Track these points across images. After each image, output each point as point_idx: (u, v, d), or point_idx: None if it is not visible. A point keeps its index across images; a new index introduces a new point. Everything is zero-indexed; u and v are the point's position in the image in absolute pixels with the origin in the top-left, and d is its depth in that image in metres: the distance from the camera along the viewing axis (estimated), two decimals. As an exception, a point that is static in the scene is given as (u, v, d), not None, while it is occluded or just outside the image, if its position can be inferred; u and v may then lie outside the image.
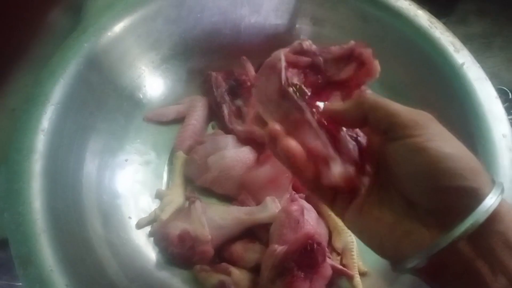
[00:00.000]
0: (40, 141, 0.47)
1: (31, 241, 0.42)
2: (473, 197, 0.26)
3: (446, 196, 0.27)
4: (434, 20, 0.54)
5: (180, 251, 0.48)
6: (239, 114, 0.60)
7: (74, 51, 0.52)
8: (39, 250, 0.42)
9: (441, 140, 0.28)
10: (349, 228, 0.34)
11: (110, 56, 0.55)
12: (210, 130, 0.62)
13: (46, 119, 0.48)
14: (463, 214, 0.26)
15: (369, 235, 0.31)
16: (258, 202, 0.53)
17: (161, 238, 0.50)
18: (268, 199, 0.49)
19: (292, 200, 0.50)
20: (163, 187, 0.58)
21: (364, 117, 0.31)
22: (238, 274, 0.46)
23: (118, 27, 0.55)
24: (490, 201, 0.26)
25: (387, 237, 0.30)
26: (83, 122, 0.53)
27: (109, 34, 0.55)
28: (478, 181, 0.27)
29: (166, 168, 0.59)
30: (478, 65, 0.51)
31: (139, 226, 0.53)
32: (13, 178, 0.45)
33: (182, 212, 0.51)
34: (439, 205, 0.28)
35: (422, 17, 0.54)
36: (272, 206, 0.48)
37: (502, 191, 0.27)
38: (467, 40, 0.55)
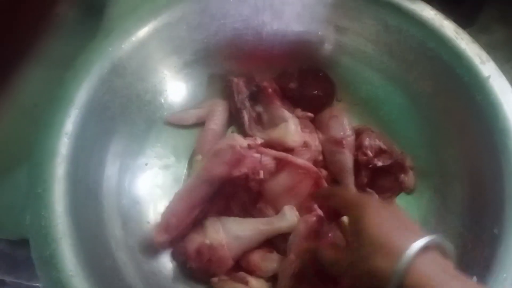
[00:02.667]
0: (64, 145, 0.48)
1: (52, 244, 0.43)
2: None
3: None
4: (460, 31, 0.53)
5: (198, 265, 0.48)
6: (259, 121, 0.60)
7: (98, 54, 0.53)
8: (60, 254, 0.42)
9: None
10: None
11: (133, 60, 0.55)
12: (229, 134, 0.62)
13: (70, 123, 0.49)
14: None
15: None
16: (276, 210, 0.52)
17: (178, 253, 0.50)
18: (287, 208, 0.49)
19: (311, 210, 0.50)
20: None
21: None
22: (255, 283, 0.46)
23: (142, 32, 0.56)
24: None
25: None
26: (105, 126, 0.53)
27: (133, 38, 0.55)
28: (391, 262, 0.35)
29: (185, 172, 0.59)
30: (504, 78, 0.50)
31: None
32: (36, 181, 0.46)
33: (198, 224, 0.51)
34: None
35: (448, 28, 0.53)
36: (290, 215, 0.48)
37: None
38: (490, 49, 0.54)
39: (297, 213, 0.48)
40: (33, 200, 0.45)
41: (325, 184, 0.54)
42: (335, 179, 0.57)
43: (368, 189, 0.55)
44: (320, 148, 0.57)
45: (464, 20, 0.56)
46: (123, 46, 0.54)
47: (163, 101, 0.60)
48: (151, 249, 0.51)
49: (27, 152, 0.49)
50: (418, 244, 0.34)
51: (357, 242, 0.38)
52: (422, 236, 0.36)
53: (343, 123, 0.57)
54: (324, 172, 0.55)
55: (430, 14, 0.55)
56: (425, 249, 0.35)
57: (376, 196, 0.55)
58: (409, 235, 0.36)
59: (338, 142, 0.56)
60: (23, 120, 0.67)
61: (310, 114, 0.60)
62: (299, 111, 0.60)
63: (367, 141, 0.55)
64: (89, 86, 0.51)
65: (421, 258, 0.34)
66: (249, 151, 0.50)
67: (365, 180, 0.54)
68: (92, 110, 0.51)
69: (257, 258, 0.50)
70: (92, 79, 0.51)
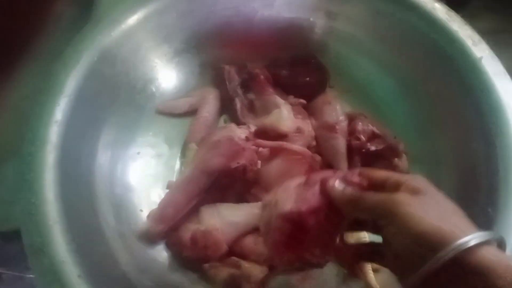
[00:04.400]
0: (54, 132, 0.47)
1: (43, 231, 0.42)
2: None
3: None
4: (452, 13, 0.53)
5: (194, 253, 0.48)
6: (251, 108, 0.60)
7: (87, 43, 0.52)
8: (51, 241, 0.42)
9: (410, 222, 0.31)
10: None
11: (123, 48, 0.55)
12: (222, 123, 0.62)
13: (60, 111, 0.48)
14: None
15: None
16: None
17: (173, 243, 0.49)
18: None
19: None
20: (175, 179, 0.57)
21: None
22: (248, 267, 0.46)
23: (132, 20, 0.55)
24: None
25: None
26: (95, 114, 0.53)
27: (122, 26, 0.54)
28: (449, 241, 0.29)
29: (178, 161, 0.59)
30: (497, 59, 0.50)
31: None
32: (26, 168, 0.45)
33: (193, 214, 0.50)
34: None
35: (440, 10, 0.53)
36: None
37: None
38: (482, 36, 0.53)
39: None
40: (24, 188, 0.44)
41: (318, 168, 0.53)
42: (328, 164, 0.56)
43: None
44: (313, 133, 0.57)
45: (453, 8, 0.56)
46: (112, 34, 0.54)
47: (154, 89, 0.59)
48: (146, 238, 0.51)
49: (15, 146, 0.49)
50: (484, 234, 0.30)
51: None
52: (470, 231, 0.31)
53: (336, 109, 0.57)
54: (318, 157, 0.55)
55: (421, -3, 0.54)
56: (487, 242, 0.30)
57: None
58: (455, 228, 0.31)
59: (331, 127, 0.56)
60: (12, 114, 0.66)
61: (302, 101, 0.60)
62: (291, 98, 0.60)
63: (360, 126, 0.54)
64: (78, 74, 0.50)
65: (484, 247, 0.30)
66: (247, 143, 0.50)
67: (359, 164, 0.54)
68: (81, 99, 0.50)
69: (250, 242, 0.49)
70: (81, 68, 0.51)
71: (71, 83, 0.50)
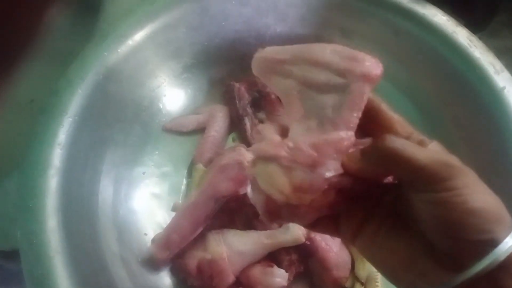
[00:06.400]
0: (57, 156, 0.45)
1: (44, 263, 0.41)
2: (493, 245, 0.25)
3: (467, 245, 0.26)
4: (473, 38, 0.50)
5: (200, 283, 0.46)
6: (261, 128, 0.58)
7: (93, 60, 0.50)
8: (53, 273, 0.40)
9: (468, 194, 0.26)
10: (361, 254, 0.31)
11: (129, 65, 0.53)
12: (230, 142, 0.60)
13: (63, 132, 0.46)
14: (480, 257, 0.25)
15: (383, 265, 0.29)
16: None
17: (179, 270, 0.48)
18: (292, 221, 0.46)
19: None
20: (180, 201, 0.56)
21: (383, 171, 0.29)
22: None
23: (139, 35, 0.53)
24: (507, 245, 0.25)
25: (401, 272, 0.28)
26: (100, 134, 0.51)
27: (129, 42, 0.53)
28: (501, 231, 0.25)
29: (184, 181, 0.57)
30: (520, 89, 0.48)
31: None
32: (28, 194, 0.44)
33: (199, 239, 0.49)
34: (459, 251, 0.26)
35: (461, 34, 0.51)
36: (294, 229, 0.46)
37: None
38: (500, 54, 0.51)
39: (301, 226, 0.46)
40: (24, 215, 0.43)
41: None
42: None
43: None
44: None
45: (475, 25, 0.54)
46: (119, 50, 0.52)
47: (161, 106, 0.57)
48: (150, 264, 0.49)
49: (16, 159, 0.47)
50: None
51: None
52: None
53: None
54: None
55: (442, 20, 0.52)
56: None
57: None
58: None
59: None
60: (15, 124, 0.65)
61: (314, 122, 0.57)
62: (302, 118, 0.58)
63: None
64: (83, 93, 0.49)
65: None
66: None
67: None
68: (86, 119, 0.49)
69: (258, 272, 0.48)
70: (87, 86, 0.49)
71: (75, 103, 0.48)
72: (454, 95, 0.52)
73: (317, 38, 0.59)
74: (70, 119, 0.47)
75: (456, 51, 0.51)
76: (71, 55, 0.52)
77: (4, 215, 0.55)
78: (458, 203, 0.25)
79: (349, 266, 0.49)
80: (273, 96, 0.57)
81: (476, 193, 0.26)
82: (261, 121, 0.58)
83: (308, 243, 0.47)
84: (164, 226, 0.53)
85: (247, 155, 0.51)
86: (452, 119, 0.52)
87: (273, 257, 0.49)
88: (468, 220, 0.25)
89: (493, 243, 0.25)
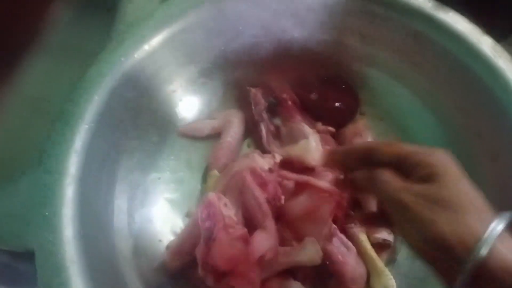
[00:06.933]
0: (73, 164, 0.45)
1: (61, 272, 0.40)
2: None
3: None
4: (498, 48, 0.49)
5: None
6: (277, 135, 0.57)
7: (109, 65, 0.50)
8: (70, 283, 0.40)
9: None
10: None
11: (146, 70, 0.52)
12: (245, 147, 0.60)
13: (80, 140, 0.46)
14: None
15: None
16: (295, 233, 0.50)
17: (191, 276, 0.48)
18: (308, 241, 0.46)
19: (332, 236, 0.47)
20: (195, 207, 0.55)
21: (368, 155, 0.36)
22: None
23: (156, 40, 0.53)
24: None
25: None
26: (116, 140, 0.51)
27: (146, 47, 0.52)
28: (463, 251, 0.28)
29: (199, 187, 0.57)
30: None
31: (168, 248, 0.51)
32: (44, 202, 0.43)
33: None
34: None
35: (486, 44, 0.49)
36: (311, 249, 0.45)
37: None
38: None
39: (318, 247, 0.46)
40: (41, 224, 0.42)
41: (346, 207, 0.51)
42: (356, 200, 0.54)
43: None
44: (341, 166, 0.54)
45: (498, 33, 0.52)
46: (136, 55, 0.51)
47: (177, 111, 0.57)
48: (164, 271, 0.49)
49: (29, 159, 0.47)
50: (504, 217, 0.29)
51: (436, 189, 0.31)
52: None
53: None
54: (345, 194, 0.52)
55: (466, 28, 0.51)
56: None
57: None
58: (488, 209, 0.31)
59: (361, 162, 0.53)
60: (29, 123, 0.65)
61: (331, 129, 0.57)
62: (320, 125, 0.57)
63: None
64: (100, 99, 0.48)
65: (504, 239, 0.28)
66: (270, 175, 0.47)
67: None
68: (103, 125, 0.48)
69: (274, 285, 0.47)
70: (103, 92, 0.49)
71: (92, 109, 0.48)
72: (476, 105, 0.51)
73: (336, 43, 0.58)
74: (87, 126, 0.47)
75: (480, 61, 0.49)
76: (89, 54, 0.51)
77: (16, 216, 0.56)
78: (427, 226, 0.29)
79: (365, 279, 0.48)
80: (289, 103, 0.57)
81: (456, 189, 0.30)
82: (276, 128, 0.57)
83: (326, 262, 0.46)
84: (179, 232, 0.52)
85: (261, 162, 0.50)
86: (474, 131, 0.51)
87: (289, 269, 0.48)
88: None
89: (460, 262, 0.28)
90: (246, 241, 0.43)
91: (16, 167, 0.59)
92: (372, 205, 0.52)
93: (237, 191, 0.47)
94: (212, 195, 0.46)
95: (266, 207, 0.46)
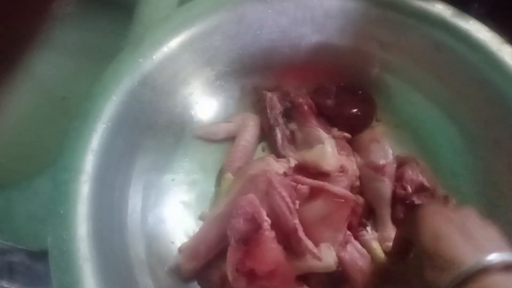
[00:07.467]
0: (89, 162, 0.45)
1: (74, 270, 0.41)
2: None
3: None
4: (520, 57, 0.48)
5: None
6: (292, 139, 0.57)
7: (128, 66, 0.50)
8: (82, 281, 0.40)
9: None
10: None
11: (164, 72, 0.53)
12: (259, 151, 0.59)
13: (97, 139, 0.46)
14: None
15: None
16: (309, 239, 0.49)
17: (203, 280, 0.47)
18: (324, 247, 0.45)
19: (347, 242, 0.47)
20: (208, 209, 0.55)
21: None
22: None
23: (174, 42, 0.53)
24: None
25: None
26: (132, 141, 0.51)
27: (164, 49, 0.52)
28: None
29: (213, 189, 0.56)
30: None
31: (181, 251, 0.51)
32: (59, 199, 0.44)
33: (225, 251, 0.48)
34: None
35: (507, 53, 0.49)
36: (327, 256, 0.45)
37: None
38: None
39: (334, 253, 0.45)
40: (55, 221, 0.43)
41: (361, 213, 0.50)
42: (370, 207, 0.53)
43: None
44: (357, 173, 0.53)
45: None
46: (154, 57, 0.52)
47: (193, 114, 0.57)
48: (177, 273, 0.49)
49: (47, 159, 0.48)
50: (481, 261, 0.31)
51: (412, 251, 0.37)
52: (490, 252, 0.31)
53: (385, 149, 0.54)
54: (361, 199, 0.52)
55: (487, 36, 0.50)
56: (497, 268, 0.30)
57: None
58: (471, 249, 0.32)
59: (378, 169, 0.52)
60: (46, 121, 0.65)
61: (347, 135, 0.56)
62: (335, 131, 0.57)
63: (408, 174, 0.51)
64: (117, 99, 0.49)
65: (485, 279, 0.30)
66: (284, 179, 0.47)
67: (401, 215, 0.50)
68: (120, 125, 0.49)
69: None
70: (121, 92, 0.49)
71: (109, 109, 0.48)
72: (499, 118, 0.50)
73: (354, 50, 0.58)
74: (104, 125, 0.47)
75: (502, 70, 0.49)
76: (107, 54, 0.52)
77: (34, 216, 0.56)
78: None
79: (378, 287, 0.47)
80: (305, 108, 0.56)
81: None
82: (292, 132, 0.57)
83: (340, 269, 0.46)
84: (191, 234, 0.52)
85: (275, 166, 0.50)
86: (494, 141, 0.50)
87: (302, 275, 0.48)
88: None
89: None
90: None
91: (35, 166, 0.59)
92: (386, 213, 0.51)
93: (259, 193, 0.46)
94: (252, 197, 0.45)
95: (293, 207, 0.45)
